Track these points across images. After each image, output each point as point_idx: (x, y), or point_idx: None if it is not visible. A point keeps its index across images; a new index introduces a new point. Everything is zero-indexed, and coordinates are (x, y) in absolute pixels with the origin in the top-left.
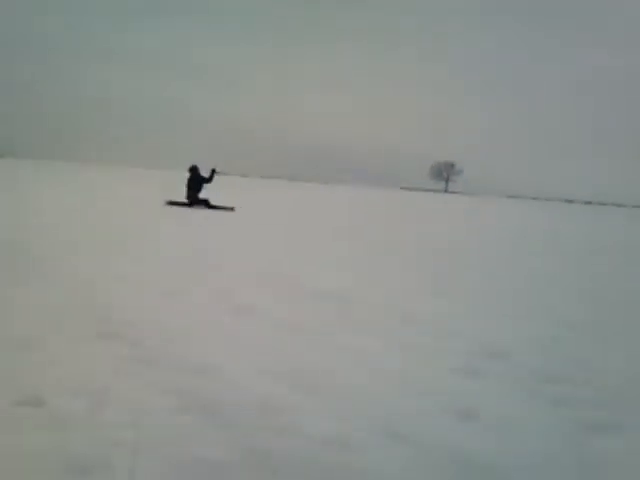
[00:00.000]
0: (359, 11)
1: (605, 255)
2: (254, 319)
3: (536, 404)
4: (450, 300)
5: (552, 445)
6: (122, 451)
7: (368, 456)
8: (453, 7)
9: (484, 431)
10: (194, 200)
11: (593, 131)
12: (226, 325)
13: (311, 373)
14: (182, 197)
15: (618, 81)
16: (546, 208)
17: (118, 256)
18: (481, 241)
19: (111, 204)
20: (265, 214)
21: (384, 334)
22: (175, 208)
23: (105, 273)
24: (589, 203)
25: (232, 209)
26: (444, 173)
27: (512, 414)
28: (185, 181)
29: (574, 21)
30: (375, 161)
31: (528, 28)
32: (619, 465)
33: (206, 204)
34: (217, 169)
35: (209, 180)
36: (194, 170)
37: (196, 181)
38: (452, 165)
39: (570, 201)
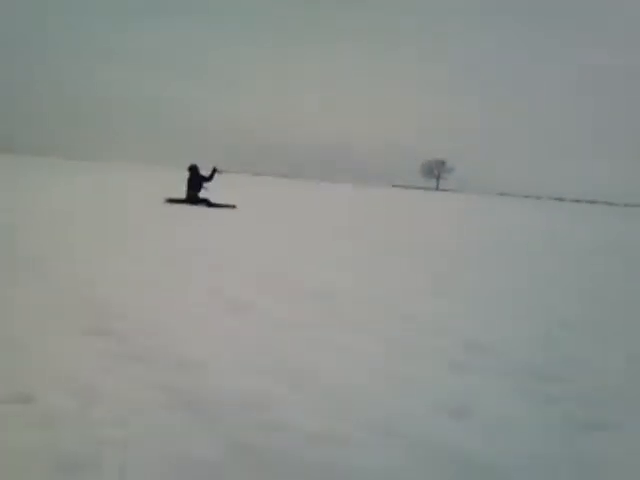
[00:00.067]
0: (359, 11)
1: (599, 253)
2: (246, 316)
3: (529, 402)
4: (447, 299)
5: (544, 443)
6: (111, 448)
7: (355, 452)
8: (453, 7)
9: (475, 429)
10: (194, 200)
11: (592, 131)
12: (218, 323)
13: (299, 370)
14: (181, 195)
15: (618, 81)
16: (536, 206)
17: (113, 253)
18: (476, 240)
19: (109, 201)
20: (266, 212)
21: (375, 331)
22: (175, 206)
23: (99, 271)
24: (578, 201)
25: (234, 207)
26: (435, 171)
27: (505, 412)
28: (185, 180)
29: (574, 21)
30: (374, 160)
31: (528, 28)
32: (610, 463)
33: (207, 203)
34: (218, 168)
35: (209, 179)
36: (193, 169)
37: (196, 180)
38: (443, 163)
39: (560, 199)
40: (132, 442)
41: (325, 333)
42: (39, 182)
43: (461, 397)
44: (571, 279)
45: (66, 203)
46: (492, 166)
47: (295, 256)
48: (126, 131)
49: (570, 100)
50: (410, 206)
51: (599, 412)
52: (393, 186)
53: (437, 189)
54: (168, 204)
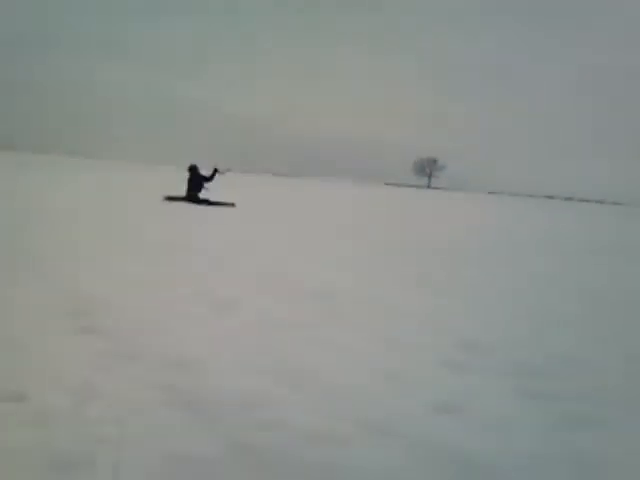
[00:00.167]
0: (359, 11)
1: (597, 252)
2: (241, 314)
3: (528, 401)
4: (446, 297)
5: (543, 442)
6: (106, 447)
7: (355, 452)
8: (453, 7)
9: (475, 428)
10: (194, 200)
11: (591, 131)
12: (217, 322)
13: (299, 369)
14: (181, 193)
15: (618, 81)
16: (528, 204)
17: (110, 251)
18: (473, 238)
19: (108, 199)
20: (263, 210)
21: (374, 331)
22: (174, 204)
23: (95, 269)
24: (570, 199)
25: (233, 205)
26: (427, 169)
27: (504, 412)
28: (185, 180)
29: (574, 21)
30: (372, 160)
31: (528, 28)
32: (610, 462)
33: (206, 202)
34: (219, 168)
35: (210, 179)
36: (193, 169)
37: (196, 181)
38: (435, 161)
39: (550, 197)
40: (128, 441)
41: (324, 332)
42: (42, 180)
43: (461, 396)
44: (567, 277)
45: (62, 202)
46: (483, 165)
47: (293, 255)
48: (126, 131)
49: (570, 100)
50: (404, 204)
51: (598, 411)
52: (386, 184)
53: (429, 187)
54: (167, 202)
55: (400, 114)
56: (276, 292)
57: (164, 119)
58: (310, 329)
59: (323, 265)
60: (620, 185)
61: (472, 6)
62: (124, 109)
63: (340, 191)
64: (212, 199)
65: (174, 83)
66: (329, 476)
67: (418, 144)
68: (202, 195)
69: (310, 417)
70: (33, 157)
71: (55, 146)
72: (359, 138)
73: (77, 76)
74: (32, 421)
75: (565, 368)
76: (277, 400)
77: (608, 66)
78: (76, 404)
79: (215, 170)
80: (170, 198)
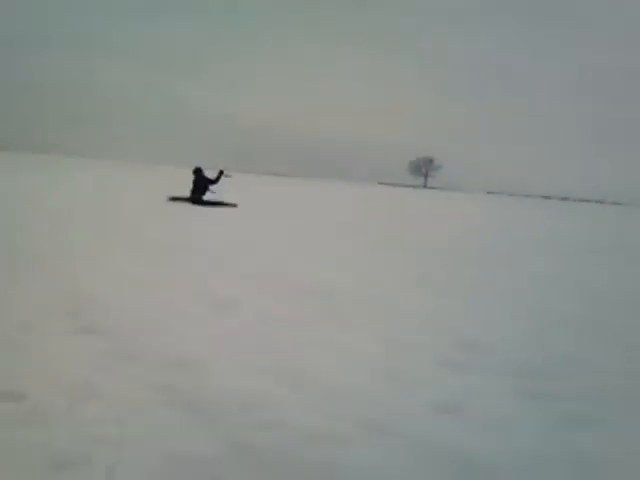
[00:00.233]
0: (359, 11)
1: (592, 250)
2: (241, 314)
3: (528, 401)
4: (446, 297)
5: (543, 442)
6: (105, 447)
7: (354, 452)
8: (453, 7)
9: (475, 428)
10: (198, 202)
11: (592, 131)
12: (217, 321)
13: (296, 368)
14: (184, 193)
15: (618, 81)
16: (525, 204)
17: (111, 251)
18: (472, 238)
19: (111, 199)
20: (265, 211)
21: (375, 331)
22: (177, 204)
23: (95, 269)
24: (565, 199)
25: (235, 205)
26: (423, 169)
27: (504, 411)
28: (188, 182)
29: (574, 21)
30: (372, 160)
31: (528, 28)
32: (610, 462)
33: (210, 204)
34: (225, 171)
35: (215, 182)
36: (198, 172)
37: (201, 183)
38: (431, 160)
39: (547, 197)
40: (128, 441)
41: (324, 332)
42: (43, 180)
43: (460, 396)
44: (567, 277)
45: (67, 201)
46: (480, 165)
47: (292, 254)
48: (126, 131)
49: (570, 100)
50: (401, 204)
51: (598, 411)
52: (379, 183)
53: (425, 187)
54: (171, 202)
55: (400, 114)
56: (276, 292)
57: (164, 119)
58: (310, 328)
59: (323, 265)
60: (620, 185)
61: (472, 6)
62: (124, 109)
63: (337, 192)
64: (214, 199)
65: (174, 83)
66: (329, 476)
67: (418, 144)
68: (206, 197)
69: (310, 417)
70: (33, 157)
71: (55, 146)
72: (359, 138)
73: (77, 76)
74: (31, 421)
75: (565, 368)
76: (277, 400)
77: (608, 66)
78: (75, 404)
79: (220, 172)
80: (174, 199)
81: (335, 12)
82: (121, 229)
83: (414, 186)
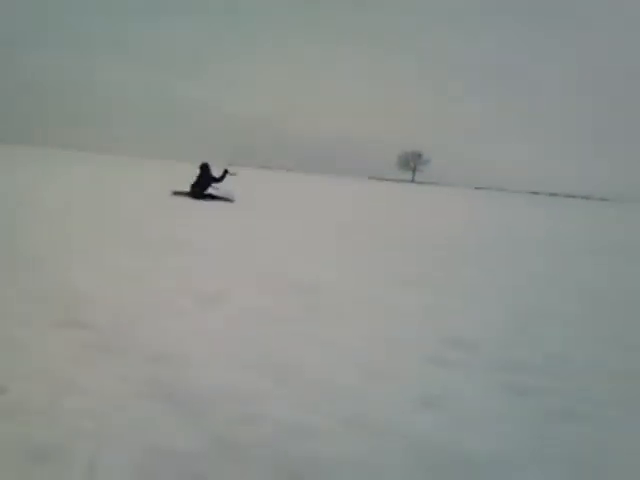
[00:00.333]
0: (359, 11)
1: (592, 249)
2: (226, 308)
3: (517, 397)
4: (442, 295)
5: (533, 438)
6: (86, 440)
7: (339, 446)
8: (453, 7)
9: (461, 424)
10: (198, 196)
11: (592, 131)
12: (197, 314)
13: (280, 363)
14: (187, 188)
15: (618, 81)
16: (514, 199)
17: (105, 245)
18: (468, 234)
19: (114, 194)
20: (261, 205)
21: (360, 326)
22: (180, 199)
23: (88, 263)
24: (554, 195)
25: (232, 200)
26: (411, 163)
27: (491, 407)
28: (190, 176)
29: (574, 21)
30: (372, 160)
31: (528, 28)
32: (602, 459)
33: (209, 197)
34: (230, 170)
35: (220, 180)
36: (205, 168)
37: (205, 179)
38: (419, 155)
39: (535, 193)
40: (110, 434)
41: (309, 327)
42: (45, 173)
43: (446, 392)
44: (565, 275)
45: (70, 195)
46: (469, 160)
47: (288, 250)
48: (126, 131)
49: (570, 100)
50: (391, 199)
51: (598, 411)
52: (369, 178)
53: (413, 181)
54: (174, 196)
55: (400, 114)
56: (270, 288)
57: (164, 119)
58: (295, 324)
59: (311, 259)
60: (620, 185)
61: (472, 6)
62: (124, 109)
63: (332, 187)
64: (214, 193)
65: (174, 83)
66: (313, 470)
67: (417, 143)
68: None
69: (294, 411)
70: (33, 150)
71: (55, 146)
72: (359, 138)
73: (77, 76)
74: (11, 413)
75: (565, 368)
76: (261, 394)
77: (608, 66)
78: (57, 397)
79: (225, 171)
80: (177, 193)
81: (335, 12)
82: (120, 224)
83: (402, 180)
